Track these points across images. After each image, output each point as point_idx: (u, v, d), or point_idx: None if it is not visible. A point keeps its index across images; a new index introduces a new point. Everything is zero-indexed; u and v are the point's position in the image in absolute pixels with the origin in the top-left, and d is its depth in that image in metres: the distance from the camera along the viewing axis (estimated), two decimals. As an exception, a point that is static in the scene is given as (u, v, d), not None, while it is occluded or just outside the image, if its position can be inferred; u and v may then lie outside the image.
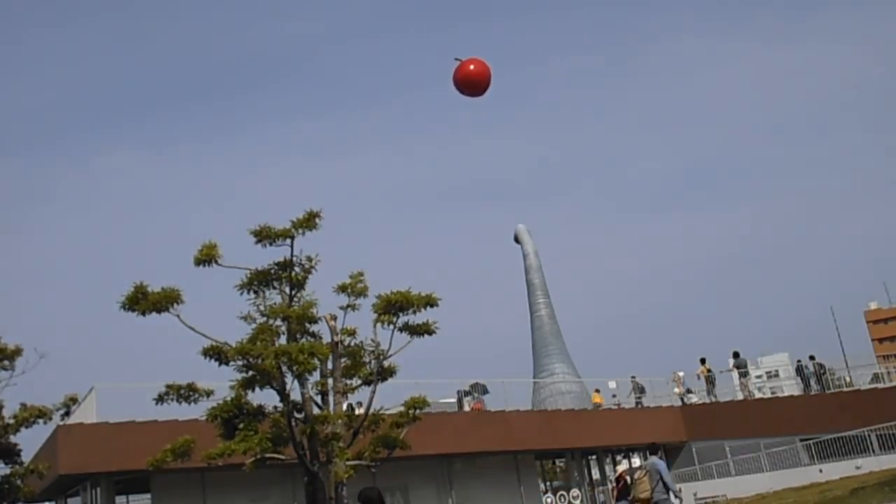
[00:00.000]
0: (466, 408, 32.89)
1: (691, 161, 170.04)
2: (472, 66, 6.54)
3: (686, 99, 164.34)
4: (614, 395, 37.71)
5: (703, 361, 35.49)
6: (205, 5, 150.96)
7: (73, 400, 21.33)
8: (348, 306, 16.18)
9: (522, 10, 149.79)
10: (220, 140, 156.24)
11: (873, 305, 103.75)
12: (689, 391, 36.08)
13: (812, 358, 33.76)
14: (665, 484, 14.99)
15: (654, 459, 15.41)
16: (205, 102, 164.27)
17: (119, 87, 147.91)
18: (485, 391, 34.90)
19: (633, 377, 37.14)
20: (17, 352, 20.00)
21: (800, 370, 36.13)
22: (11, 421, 19.97)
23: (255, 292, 15.68)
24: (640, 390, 36.57)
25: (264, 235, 15.61)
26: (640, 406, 36.13)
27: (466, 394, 33.64)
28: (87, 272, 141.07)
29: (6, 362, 19.86)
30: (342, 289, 16.20)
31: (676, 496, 15.46)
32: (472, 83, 6.57)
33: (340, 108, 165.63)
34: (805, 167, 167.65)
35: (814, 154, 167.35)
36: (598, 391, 37.58)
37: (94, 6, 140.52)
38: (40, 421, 20.23)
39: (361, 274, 16.37)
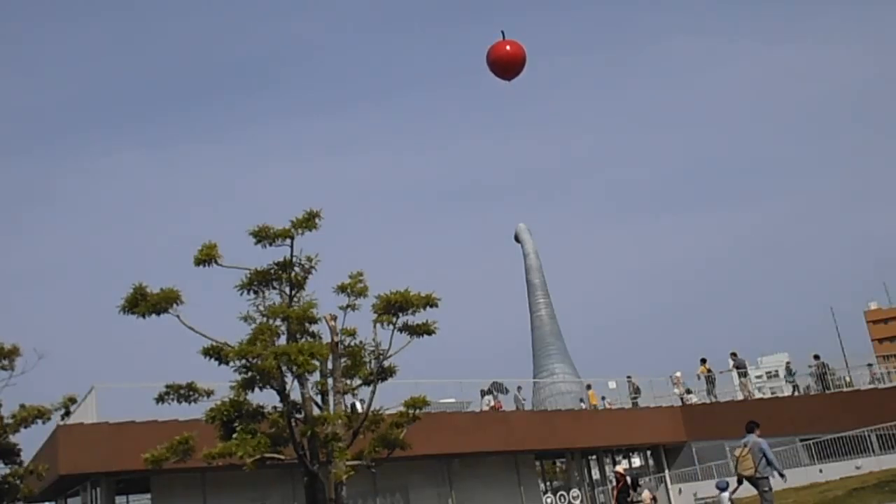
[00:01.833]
0: (485, 407, 32.92)
1: (691, 161, 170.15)
2: (508, 48, 6.49)
3: (685, 99, 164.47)
4: (603, 397, 37.78)
5: (703, 361, 35.50)
6: (205, 6, 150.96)
7: (72, 400, 21.24)
8: (348, 306, 16.15)
9: (522, 10, 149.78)
10: (221, 140, 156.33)
11: (873, 305, 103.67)
12: (688, 391, 36.10)
13: (817, 357, 33.81)
14: (769, 461, 15.30)
15: (753, 437, 15.64)
16: (205, 103, 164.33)
17: (120, 88, 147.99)
18: (504, 390, 35.09)
19: (629, 377, 37.17)
20: (15, 351, 19.92)
21: (789, 372, 36.58)
22: (10, 421, 19.91)
23: (255, 292, 15.65)
24: (636, 391, 36.58)
25: (263, 236, 15.58)
26: (635, 406, 36.14)
27: (486, 393, 33.69)
28: (87, 272, 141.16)
29: (5, 362, 19.80)
30: (342, 289, 16.17)
31: (780, 474, 15.70)
32: (505, 65, 6.53)
33: (341, 107, 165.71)
34: (805, 167, 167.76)
35: (814, 154, 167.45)
36: (589, 387, 37.58)
37: (95, 7, 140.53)
38: (39, 421, 20.16)
39: (361, 274, 16.34)
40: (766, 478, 15.24)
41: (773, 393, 45.57)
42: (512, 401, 34.76)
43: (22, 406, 19.92)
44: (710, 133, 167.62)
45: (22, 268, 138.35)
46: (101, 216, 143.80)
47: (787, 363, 38.89)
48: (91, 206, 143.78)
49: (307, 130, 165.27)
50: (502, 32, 6.58)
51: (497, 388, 34.95)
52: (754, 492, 15.62)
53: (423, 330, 16.16)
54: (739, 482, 16.04)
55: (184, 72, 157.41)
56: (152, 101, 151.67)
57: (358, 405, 25.85)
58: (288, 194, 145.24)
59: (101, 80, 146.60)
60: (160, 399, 15.11)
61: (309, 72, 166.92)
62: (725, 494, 16.91)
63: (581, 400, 37.35)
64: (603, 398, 38.06)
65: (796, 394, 34.68)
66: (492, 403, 33.40)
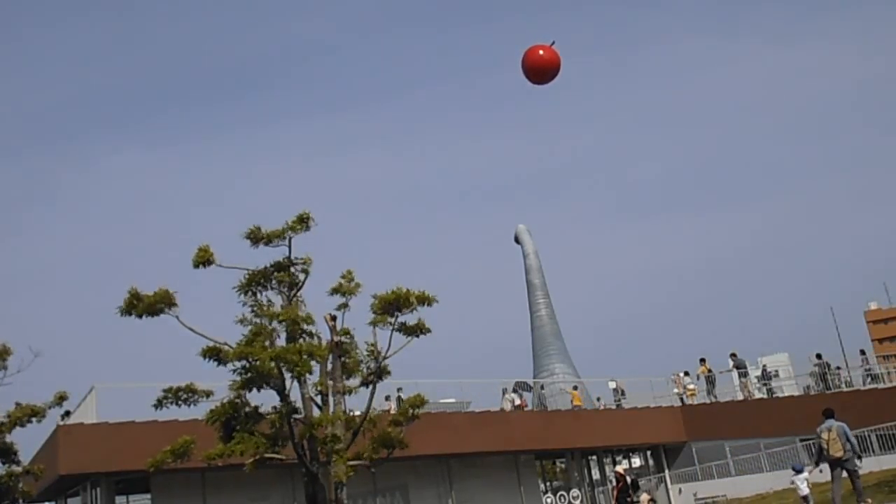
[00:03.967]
0: (508, 406, 33.11)
1: (691, 161, 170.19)
2: (541, 52, 6.55)
3: (686, 99, 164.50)
4: (599, 398, 37.90)
5: (702, 361, 35.55)
6: (205, 6, 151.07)
7: (63, 397, 20.95)
8: (343, 306, 16.16)
9: (522, 11, 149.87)
10: (221, 140, 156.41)
11: (873, 305, 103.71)
12: (685, 374, 36.26)
13: (819, 356, 33.84)
14: (852, 444, 16.19)
15: (835, 421, 16.33)
16: (205, 103, 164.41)
17: (120, 88, 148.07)
18: (528, 388, 35.26)
19: (613, 380, 37.32)
20: (6, 350, 19.81)
21: (764, 374, 36.76)
22: (4, 420, 19.81)
23: (254, 293, 15.70)
24: (620, 393, 36.75)
25: (256, 238, 15.67)
26: (619, 408, 36.26)
27: (509, 391, 33.90)
28: (87, 272, 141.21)
29: None
30: (335, 291, 16.18)
31: (859, 455, 16.49)
32: (540, 70, 6.58)
33: (341, 107, 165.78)
34: (805, 167, 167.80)
35: (814, 154, 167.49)
36: (575, 388, 37.66)
37: (95, 7, 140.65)
38: (34, 420, 20.05)
39: (350, 272, 16.34)
40: (852, 458, 16.18)
41: (772, 393, 45.65)
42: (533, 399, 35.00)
43: (18, 404, 19.83)
44: (711, 133, 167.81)
45: (22, 268, 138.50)
46: (101, 216, 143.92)
47: (764, 366, 39.37)
48: (91, 206, 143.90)
49: (307, 130, 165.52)
50: (553, 42, 6.64)
51: (521, 387, 35.29)
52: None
53: (419, 329, 16.18)
54: (816, 464, 16.91)
55: (184, 72, 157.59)
56: (152, 101, 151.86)
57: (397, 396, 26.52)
58: (289, 194, 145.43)
59: (102, 80, 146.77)
60: (159, 404, 15.12)
61: (309, 72, 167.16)
62: (802, 475, 17.46)
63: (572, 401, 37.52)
64: (598, 399, 38.19)
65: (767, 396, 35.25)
66: (517, 402, 33.57)
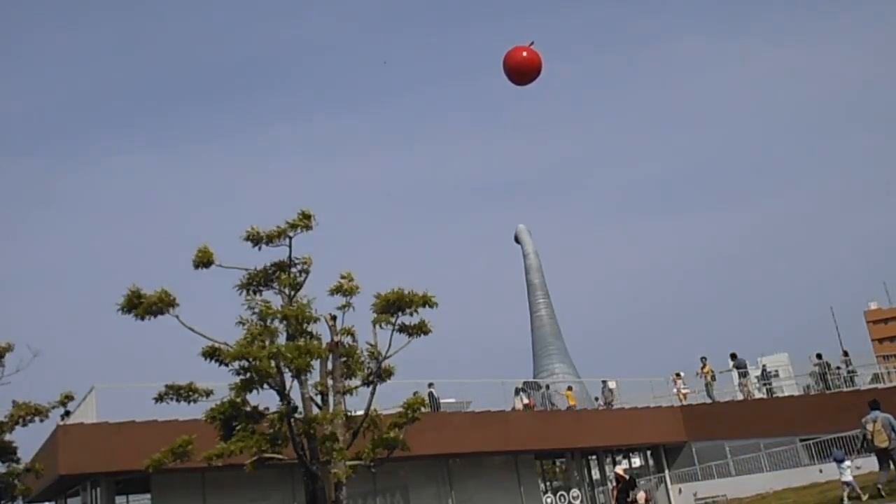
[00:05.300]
0: (518, 405, 33.24)
1: (691, 161, 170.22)
2: (524, 53, 6.59)
3: (686, 99, 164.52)
4: (596, 398, 38.01)
5: (703, 361, 35.58)
6: (205, 6, 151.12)
7: (69, 398, 20.88)
8: (343, 306, 16.16)
9: (523, 11, 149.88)
10: (221, 140, 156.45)
11: (873, 305, 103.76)
12: (678, 375, 36.43)
13: (819, 356, 33.85)
14: None
15: (880, 413, 17.02)
16: (205, 103, 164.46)
17: (120, 88, 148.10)
18: (537, 388, 35.41)
19: (604, 381, 37.33)
20: (5, 349, 19.73)
21: (764, 374, 37.46)
22: (4, 419, 19.70)
23: (254, 293, 15.69)
24: (611, 394, 36.85)
25: (256, 239, 15.66)
26: (609, 408, 36.33)
27: (519, 391, 34.03)
28: (87, 272, 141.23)
29: None
30: (335, 291, 16.18)
31: None
32: (521, 71, 6.62)
33: (341, 108, 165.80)
34: (805, 168, 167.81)
35: (814, 155, 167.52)
36: (570, 388, 37.73)
37: (95, 7, 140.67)
38: (37, 419, 19.95)
39: (350, 273, 16.33)
40: None
41: (772, 393, 45.69)
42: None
43: (14, 402, 19.71)
44: (710, 133, 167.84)
45: (21, 268, 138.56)
46: (101, 216, 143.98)
47: (764, 366, 39.57)
48: (91, 207, 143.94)
49: (307, 130, 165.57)
50: (531, 42, 6.64)
51: (531, 387, 35.41)
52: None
53: (419, 329, 16.18)
54: (858, 452, 17.97)
55: (184, 72, 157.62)
56: (152, 101, 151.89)
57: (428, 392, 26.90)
58: (289, 194, 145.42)
59: (102, 81, 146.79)
60: (160, 399, 15.13)
61: (309, 72, 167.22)
62: (846, 464, 18.10)
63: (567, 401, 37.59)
64: (596, 399, 38.20)
65: (763, 396, 35.34)
66: (525, 401, 33.71)
